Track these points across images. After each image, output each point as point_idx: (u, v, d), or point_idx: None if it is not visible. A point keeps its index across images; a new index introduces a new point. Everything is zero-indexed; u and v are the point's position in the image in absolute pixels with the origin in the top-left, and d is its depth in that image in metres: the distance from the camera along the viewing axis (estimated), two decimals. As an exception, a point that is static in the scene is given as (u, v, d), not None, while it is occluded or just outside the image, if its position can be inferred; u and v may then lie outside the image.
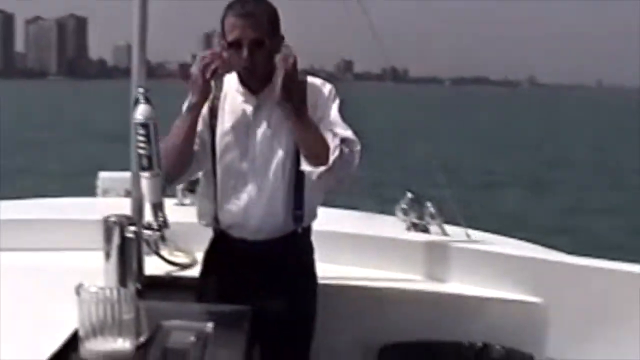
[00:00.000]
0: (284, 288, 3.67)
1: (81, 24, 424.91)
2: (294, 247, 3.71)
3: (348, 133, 3.52)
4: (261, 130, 3.60)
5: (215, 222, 3.68)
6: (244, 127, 3.61)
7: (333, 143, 3.44)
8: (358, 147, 3.51)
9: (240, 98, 3.63)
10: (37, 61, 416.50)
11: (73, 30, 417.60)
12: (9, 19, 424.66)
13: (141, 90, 3.47)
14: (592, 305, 4.04)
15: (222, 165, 3.62)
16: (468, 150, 37.90)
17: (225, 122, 3.62)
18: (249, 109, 3.61)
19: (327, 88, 3.65)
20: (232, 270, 3.65)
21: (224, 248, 3.69)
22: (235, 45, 3.48)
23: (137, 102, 3.44)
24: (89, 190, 6.18)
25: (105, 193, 5.97)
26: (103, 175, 6.08)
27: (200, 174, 3.73)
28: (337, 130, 3.50)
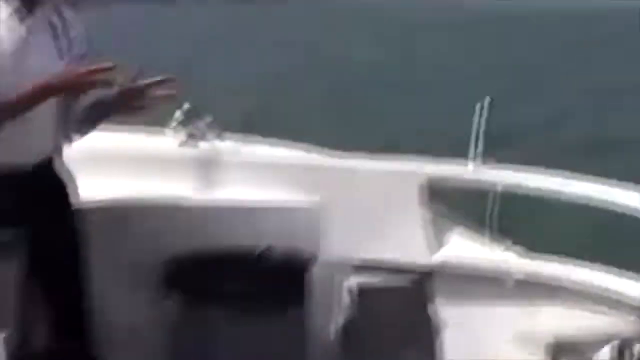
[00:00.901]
0: (53, 211, 3.65)
1: None
2: (54, 169, 3.69)
3: None
4: (43, 55, 3.48)
5: None
6: (20, 54, 3.43)
7: None
8: None
9: (11, 22, 3.44)
10: None
11: None
12: None
13: None
14: (367, 205, 4.16)
15: None
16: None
17: None
18: (22, 32, 3.45)
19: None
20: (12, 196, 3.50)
21: None
22: None
23: None
24: None
25: None
26: None
27: None
28: None
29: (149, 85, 3.40)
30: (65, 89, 3.41)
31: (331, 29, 38.51)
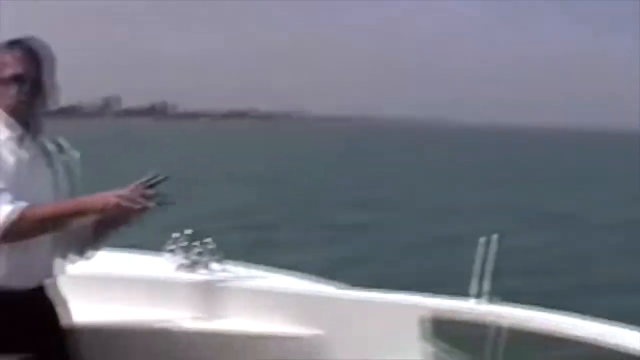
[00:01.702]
0: (54, 334, 3.67)
1: None
2: (52, 293, 3.74)
3: None
4: (39, 178, 3.59)
5: None
6: (19, 178, 3.51)
7: None
8: None
9: (10, 145, 3.55)
10: None
11: None
12: None
13: None
14: (368, 336, 4.12)
15: None
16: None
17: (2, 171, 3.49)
18: (23, 158, 3.55)
19: (78, 155, 3.79)
20: (10, 322, 3.51)
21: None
22: (15, 79, 3.51)
23: None
24: None
25: None
26: None
27: None
28: None
29: (144, 186, 3.45)
30: (99, 213, 3.49)
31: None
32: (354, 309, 4.19)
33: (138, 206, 3.43)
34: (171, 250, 4.73)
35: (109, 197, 3.45)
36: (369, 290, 4.33)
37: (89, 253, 3.80)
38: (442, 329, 4.22)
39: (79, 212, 3.54)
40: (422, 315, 4.11)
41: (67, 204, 3.58)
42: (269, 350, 4.18)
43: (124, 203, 3.42)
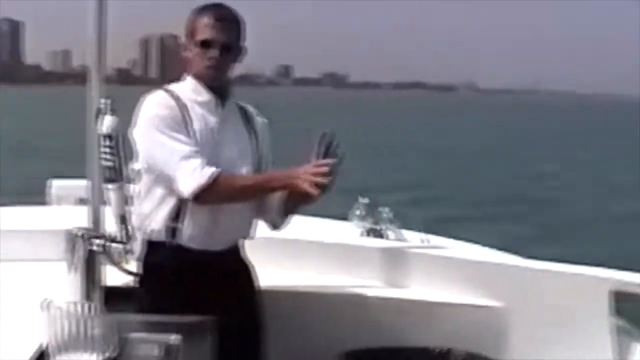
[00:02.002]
0: (242, 296, 3.76)
1: (15, 27, 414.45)
2: (243, 255, 3.84)
3: None
4: (228, 143, 3.68)
5: (169, 234, 3.63)
6: (210, 141, 3.63)
7: None
8: None
9: (201, 110, 3.66)
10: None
11: (7, 34, 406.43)
12: None
13: (105, 101, 3.43)
14: (553, 309, 4.04)
15: None
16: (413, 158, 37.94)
17: (193, 134, 3.60)
18: (213, 122, 3.66)
19: (265, 122, 3.90)
20: (191, 282, 3.62)
21: (181, 261, 3.62)
22: (205, 44, 3.60)
23: (99, 112, 3.39)
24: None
25: (58, 201, 5.88)
26: (56, 183, 6.00)
27: (145, 184, 3.66)
28: None
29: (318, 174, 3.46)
30: (289, 187, 3.54)
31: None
32: (537, 280, 4.11)
33: (315, 190, 3.42)
34: (358, 217, 4.78)
35: (292, 177, 3.48)
36: (552, 262, 4.26)
37: (279, 223, 3.87)
38: (630, 304, 4.12)
39: (268, 189, 3.64)
40: (609, 289, 4.01)
41: (258, 178, 3.66)
42: (450, 319, 4.16)
43: (303, 185, 3.43)
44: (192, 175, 3.49)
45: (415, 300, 4.22)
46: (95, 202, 3.89)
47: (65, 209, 5.54)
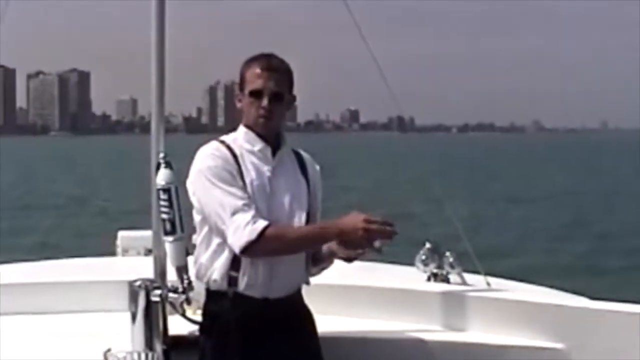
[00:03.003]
0: (303, 342, 3.79)
1: (84, 78, 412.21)
2: (304, 302, 3.87)
3: None
4: (281, 191, 3.73)
5: (228, 282, 3.68)
6: (264, 190, 3.69)
7: None
8: None
9: (254, 159, 3.73)
10: (39, 117, 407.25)
11: (75, 85, 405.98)
12: (10, 73, 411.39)
13: (162, 154, 3.51)
14: (615, 348, 4.01)
15: None
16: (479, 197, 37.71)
17: (247, 184, 3.66)
18: (266, 170, 3.73)
19: (318, 168, 3.94)
20: (253, 330, 3.67)
21: (242, 309, 3.67)
22: (255, 94, 3.69)
23: (158, 166, 3.47)
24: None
25: (125, 252, 5.97)
26: (122, 234, 6.09)
27: (202, 234, 3.72)
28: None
29: (371, 223, 3.50)
30: (346, 237, 3.56)
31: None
32: (599, 320, 4.09)
33: (385, 237, 3.50)
34: (422, 262, 4.79)
35: (357, 223, 3.50)
36: (615, 302, 4.22)
37: (315, 272, 3.92)
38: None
39: (320, 240, 3.67)
40: None
41: (309, 230, 3.69)
42: None
43: (373, 233, 3.48)
44: (243, 231, 3.53)
45: (476, 343, 4.22)
46: (160, 253, 3.97)
47: (131, 260, 5.62)
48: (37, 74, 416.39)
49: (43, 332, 3.99)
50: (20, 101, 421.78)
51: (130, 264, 5.17)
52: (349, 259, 3.71)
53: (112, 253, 6.13)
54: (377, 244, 3.51)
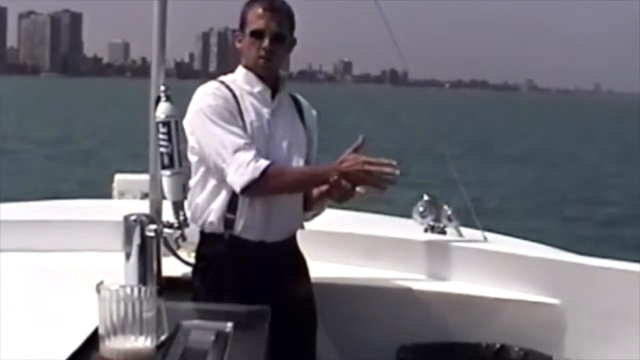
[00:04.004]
0: (298, 286, 3.78)
1: (76, 19, 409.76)
2: (298, 247, 3.84)
3: None
4: (280, 134, 3.70)
5: (224, 225, 3.64)
6: (262, 132, 3.65)
7: None
8: None
9: (254, 100, 3.68)
10: (30, 57, 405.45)
11: (67, 26, 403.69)
12: (1, 12, 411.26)
13: (163, 87, 3.45)
14: (610, 306, 3.98)
15: None
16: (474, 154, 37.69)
17: (246, 125, 3.62)
18: (266, 112, 3.68)
19: (315, 114, 3.90)
20: (249, 273, 3.64)
21: (238, 252, 3.65)
22: (256, 34, 3.62)
23: (158, 100, 3.41)
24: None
25: (122, 195, 5.93)
26: (119, 177, 6.05)
27: (198, 175, 3.68)
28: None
29: (371, 164, 3.47)
30: (346, 178, 3.52)
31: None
32: (596, 276, 4.06)
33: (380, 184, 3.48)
34: (420, 214, 4.74)
35: (332, 171, 3.51)
36: (612, 260, 4.19)
37: (308, 218, 3.89)
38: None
39: (319, 181, 3.64)
40: None
41: (308, 171, 3.69)
42: (505, 315, 4.13)
43: (344, 182, 3.49)
44: (246, 168, 3.50)
45: (470, 295, 4.20)
46: (156, 196, 3.92)
47: (127, 202, 5.58)
48: (29, 13, 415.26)
49: (36, 268, 3.97)
50: (11, 41, 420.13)
51: (126, 206, 5.12)
52: (340, 199, 3.65)
53: (108, 196, 6.09)
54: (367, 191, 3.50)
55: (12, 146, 34.23)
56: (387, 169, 3.47)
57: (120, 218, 3.17)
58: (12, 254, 4.19)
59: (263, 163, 3.51)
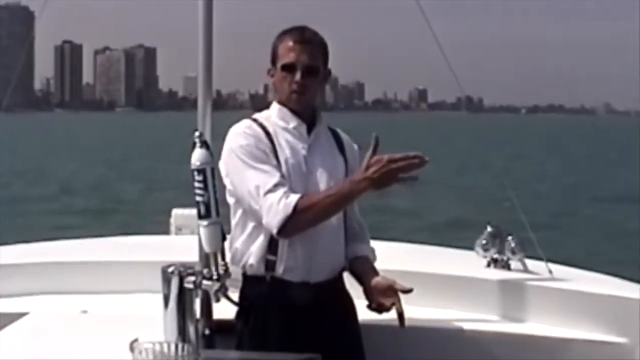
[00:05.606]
0: (344, 328, 3.65)
1: (150, 54, 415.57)
2: (345, 287, 3.71)
3: None
4: (318, 169, 3.58)
5: (266, 267, 3.54)
6: (299, 169, 3.55)
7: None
8: None
9: (289, 137, 3.59)
10: (106, 93, 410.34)
11: (142, 61, 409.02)
12: (77, 49, 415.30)
13: (197, 134, 3.38)
14: None
15: None
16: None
17: (282, 163, 3.53)
18: (302, 148, 3.58)
19: (357, 148, 3.77)
20: (293, 315, 3.53)
21: (281, 294, 3.54)
22: (288, 69, 3.54)
23: (194, 146, 3.34)
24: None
25: (179, 231, 5.91)
26: (177, 212, 6.04)
27: (237, 217, 3.61)
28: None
29: (397, 161, 3.33)
30: (375, 184, 3.37)
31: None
32: None
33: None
34: (483, 247, 4.60)
35: (362, 182, 3.37)
36: None
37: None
38: None
39: (351, 194, 3.46)
40: None
41: (337, 188, 3.49)
42: (572, 356, 3.99)
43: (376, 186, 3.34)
44: (277, 208, 3.39)
45: (535, 336, 4.06)
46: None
47: (182, 239, 5.55)
48: (104, 49, 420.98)
49: (92, 313, 3.95)
50: (87, 77, 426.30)
51: (183, 243, 5.09)
52: (380, 309, 3.51)
53: (166, 232, 6.08)
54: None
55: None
56: (416, 161, 3.30)
57: (176, 258, 3.11)
58: (68, 297, 4.23)
59: (294, 198, 3.40)
